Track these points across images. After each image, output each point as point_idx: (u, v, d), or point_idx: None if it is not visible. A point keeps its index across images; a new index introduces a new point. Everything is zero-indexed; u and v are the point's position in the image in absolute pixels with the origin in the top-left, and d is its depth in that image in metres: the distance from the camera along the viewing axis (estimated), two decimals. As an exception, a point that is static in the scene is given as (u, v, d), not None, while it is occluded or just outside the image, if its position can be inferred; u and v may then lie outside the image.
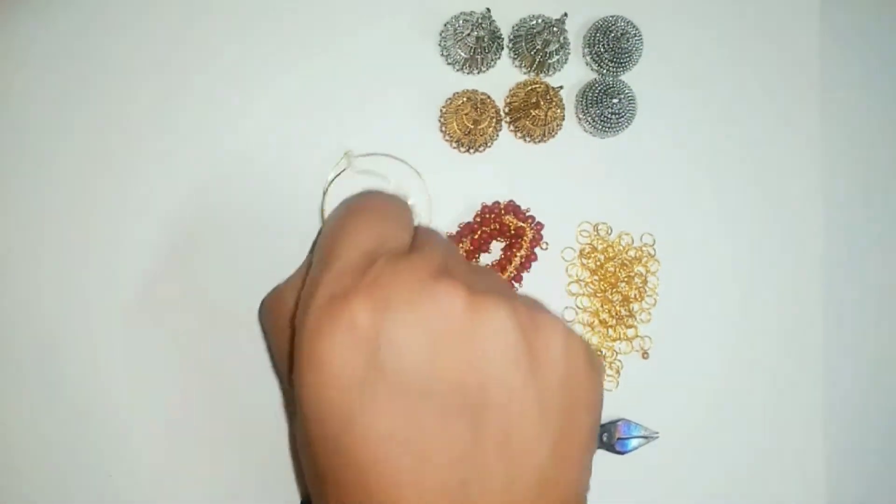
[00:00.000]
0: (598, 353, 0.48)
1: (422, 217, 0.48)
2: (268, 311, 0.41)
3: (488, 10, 0.46)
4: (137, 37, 0.47)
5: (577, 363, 0.31)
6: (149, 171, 0.47)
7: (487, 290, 0.30)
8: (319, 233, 0.44)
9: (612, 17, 0.49)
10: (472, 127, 0.47)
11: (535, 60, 0.48)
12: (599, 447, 0.47)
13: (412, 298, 0.29)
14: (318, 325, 0.29)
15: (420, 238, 0.35)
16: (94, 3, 0.47)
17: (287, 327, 0.36)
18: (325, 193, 0.47)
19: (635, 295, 0.49)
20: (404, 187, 0.47)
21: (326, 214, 0.47)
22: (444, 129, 0.48)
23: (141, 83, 0.47)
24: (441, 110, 0.49)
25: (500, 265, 0.47)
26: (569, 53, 0.50)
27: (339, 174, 0.46)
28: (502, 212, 0.47)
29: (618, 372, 0.48)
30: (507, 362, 0.29)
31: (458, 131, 0.47)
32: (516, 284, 0.47)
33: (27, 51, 0.47)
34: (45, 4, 0.47)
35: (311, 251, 0.44)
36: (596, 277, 0.49)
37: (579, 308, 0.49)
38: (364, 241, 0.33)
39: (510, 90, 0.49)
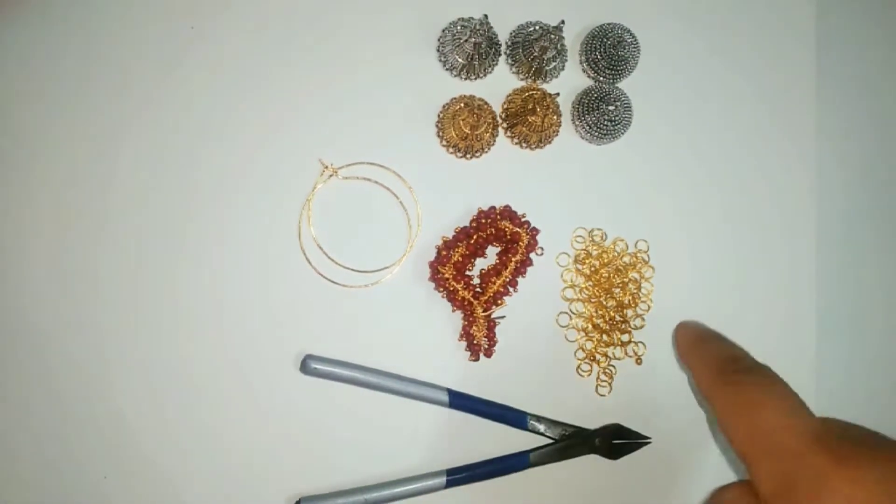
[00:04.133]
0: (592, 357, 0.49)
1: (410, 222, 0.48)
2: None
3: (486, 16, 0.46)
4: (129, 46, 0.47)
5: None
6: (142, 170, 0.47)
7: None
8: None
9: (610, 24, 0.49)
10: (469, 132, 0.47)
11: (532, 67, 0.49)
12: (592, 452, 0.47)
13: None
14: None
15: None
16: (84, 20, 0.47)
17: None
18: (308, 201, 0.47)
19: (629, 301, 0.49)
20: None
21: (311, 222, 0.47)
22: (441, 134, 0.49)
23: (136, 90, 0.47)
24: (438, 115, 0.49)
25: (496, 270, 0.47)
26: (566, 60, 0.50)
27: (326, 182, 0.46)
28: (498, 217, 0.47)
29: (611, 377, 0.49)
30: None
31: (455, 137, 0.48)
32: (511, 289, 0.47)
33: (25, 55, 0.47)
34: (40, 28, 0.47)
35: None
36: (590, 283, 0.49)
37: (573, 313, 0.49)
38: None
39: (507, 96, 0.49)
